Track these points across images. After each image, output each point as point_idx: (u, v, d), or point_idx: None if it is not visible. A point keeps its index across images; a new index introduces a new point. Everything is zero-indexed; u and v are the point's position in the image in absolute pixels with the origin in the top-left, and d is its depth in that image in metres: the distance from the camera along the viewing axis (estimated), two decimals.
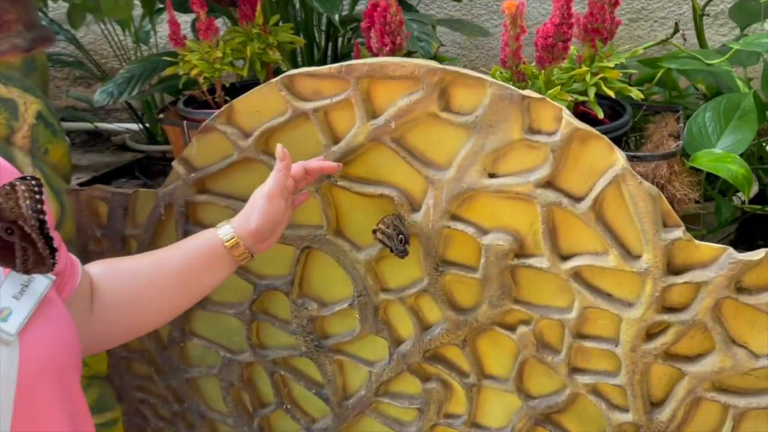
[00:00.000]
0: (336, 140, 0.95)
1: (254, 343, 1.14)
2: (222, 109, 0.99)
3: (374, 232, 0.92)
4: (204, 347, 1.18)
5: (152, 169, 1.47)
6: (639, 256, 0.86)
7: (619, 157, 0.82)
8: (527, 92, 0.84)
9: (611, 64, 0.90)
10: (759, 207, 0.98)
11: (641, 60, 1.10)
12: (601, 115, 0.90)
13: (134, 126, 1.67)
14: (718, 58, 0.95)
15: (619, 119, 0.95)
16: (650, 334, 0.89)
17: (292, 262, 1.05)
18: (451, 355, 1.03)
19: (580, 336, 0.93)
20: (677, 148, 0.88)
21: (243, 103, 0.98)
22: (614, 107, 0.99)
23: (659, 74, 1.01)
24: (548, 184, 0.87)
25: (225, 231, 0.82)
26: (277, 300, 1.10)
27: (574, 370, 0.95)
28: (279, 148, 0.83)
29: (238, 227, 0.82)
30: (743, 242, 1.12)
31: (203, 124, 1.00)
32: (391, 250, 0.93)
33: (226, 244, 0.81)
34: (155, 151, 1.55)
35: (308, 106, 0.94)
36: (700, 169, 0.91)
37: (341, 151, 0.94)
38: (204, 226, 1.02)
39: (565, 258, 0.90)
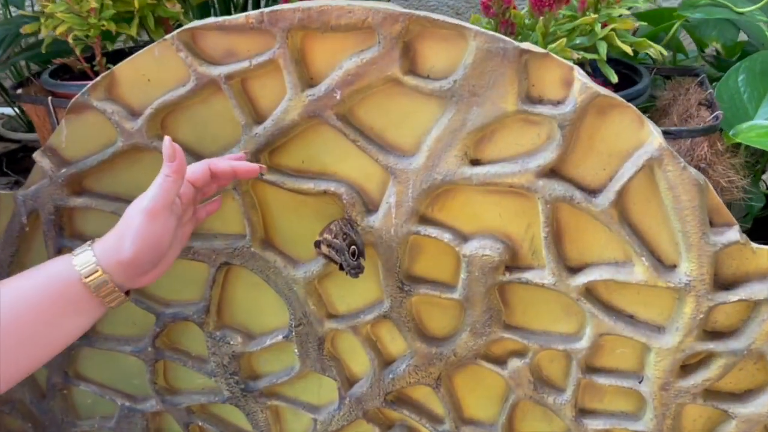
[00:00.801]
0: (259, 118, 0.70)
1: (161, 388, 0.87)
2: (98, 78, 0.71)
3: (317, 243, 0.67)
4: (95, 394, 0.90)
5: (28, 163, 1.16)
6: (674, 266, 0.64)
7: (653, 133, 0.60)
8: (526, 45, 0.60)
9: (624, 10, 0.67)
10: None
11: (641, 14, 0.88)
12: (614, 78, 0.68)
13: (8, 110, 1.35)
14: (748, 5, 0.74)
15: (631, 86, 0.73)
16: (686, 367, 0.67)
17: (206, 283, 0.79)
18: (421, 397, 0.80)
19: (592, 370, 0.71)
20: (717, 121, 0.67)
21: (128, 69, 0.71)
22: (619, 70, 0.76)
23: (675, 27, 0.79)
24: (553, 172, 0.64)
25: (84, 260, 0.55)
26: (189, 332, 0.84)
27: (583, 412, 0.74)
28: (166, 143, 0.57)
29: (104, 255, 0.56)
30: (761, 237, 0.92)
31: (73, 100, 0.72)
32: (341, 267, 0.68)
33: (86, 280, 0.55)
34: (34, 141, 1.24)
35: (219, 71, 0.68)
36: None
37: (267, 134, 0.69)
38: (85, 240, 0.75)
39: (574, 271, 0.67)
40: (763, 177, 0.81)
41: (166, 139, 0.57)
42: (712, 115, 0.67)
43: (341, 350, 0.80)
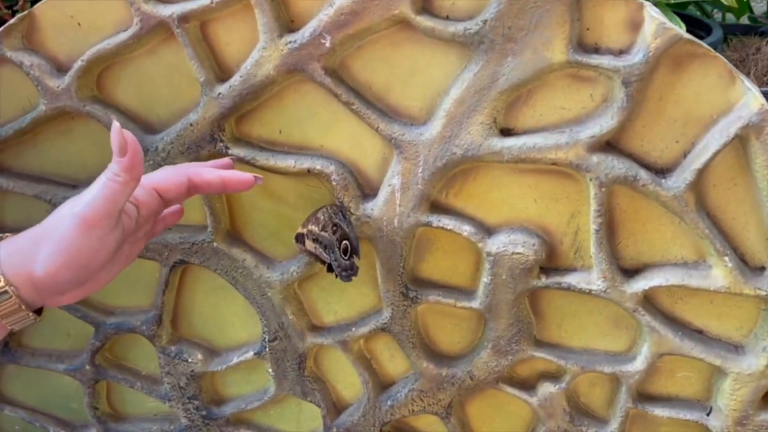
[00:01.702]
0: (223, 74, 0.54)
1: (104, 414, 0.71)
2: (12, 21, 0.55)
3: (299, 237, 0.51)
4: (24, 420, 0.73)
5: None
6: (763, 269, 0.50)
7: (750, 91, 0.45)
8: None
9: None
10: None
11: None
12: (682, 26, 0.53)
13: None
14: None
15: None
16: None
17: (157, 286, 0.63)
18: (426, 428, 0.64)
19: (645, 398, 0.57)
20: None
21: (51, 9, 0.54)
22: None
23: None
24: (611, 146, 0.49)
25: None
26: (137, 347, 0.68)
27: None
28: (115, 130, 0.41)
29: (10, 261, 0.40)
30: None
31: None
32: (329, 268, 0.53)
33: None
34: None
35: (170, 11, 0.51)
36: None
37: (234, 95, 0.53)
38: (4, 231, 0.58)
39: (629, 273, 0.52)
40: None
41: (115, 126, 0.41)
42: None
43: (327, 370, 0.64)
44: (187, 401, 0.67)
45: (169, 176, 0.47)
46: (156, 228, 0.51)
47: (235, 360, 0.64)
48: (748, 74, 0.58)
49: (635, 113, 0.47)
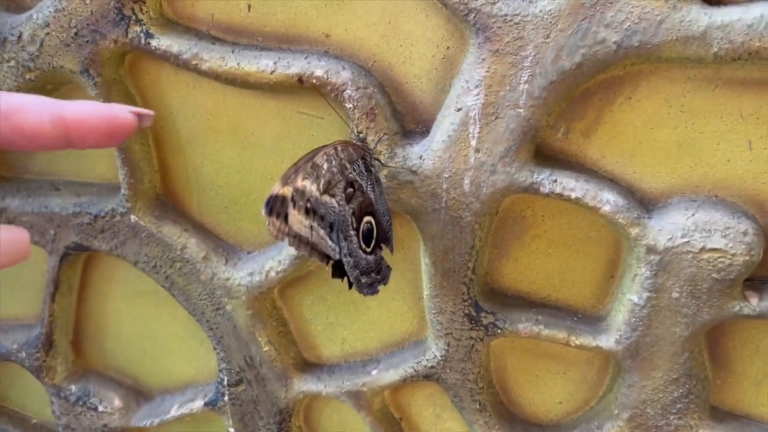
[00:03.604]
0: None
1: None
2: None
3: (272, 203, 0.24)
4: None
5: None
6: None
7: None
8: None
9: None
10: None
11: None
12: None
13: None
14: None
15: None
16: None
17: (43, 287, 0.37)
18: None
19: None
20: None
21: None
22: None
23: None
24: None
25: None
26: (21, 382, 0.42)
27: None
28: None
29: None
30: None
31: None
32: (337, 269, 0.27)
33: None
34: None
35: None
36: None
37: None
38: None
39: None
40: None
41: None
42: None
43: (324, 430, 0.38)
44: None
45: (30, 106, 0.21)
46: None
47: (175, 412, 0.39)
48: None
49: None
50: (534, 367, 0.33)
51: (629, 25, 0.24)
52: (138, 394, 0.40)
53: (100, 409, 0.40)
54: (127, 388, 0.40)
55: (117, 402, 0.40)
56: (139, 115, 0.22)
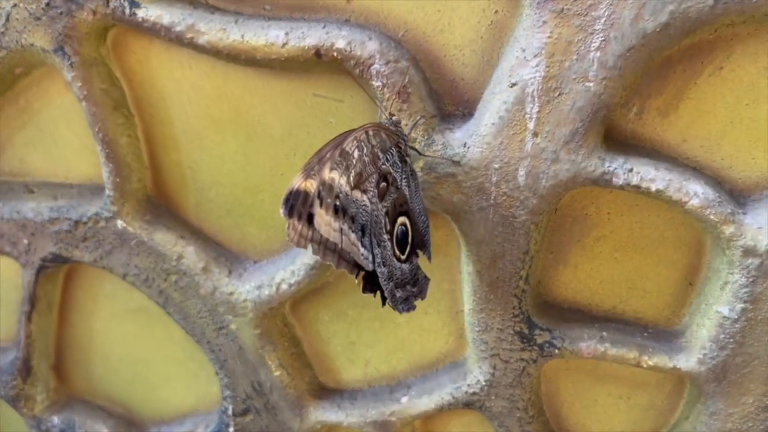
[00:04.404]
0: None
1: None
2: None
3: (292, 200, 0.19)
4: None
5: None
6: None
7: None
8: None
9: None
10: None
11: None
12: None
13: None
14: None
15: None
16: None
17: (16, 309, 0.32)
18: None
19: None
20: None
21: None
22: None
23: None
24: None
25: None
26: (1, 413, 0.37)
27: None
28: None
29: None
30: None
31: None
32: (369, 282, 0.22)
33: None
34: None
35: None
36: None
37: None
38: None
39: None
40: None
41: None
42: None
43: None
44: None
45: None
46: None
47: None
48: None
49: None
50: (591, 391, 0.28)
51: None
52: (130, 425, 0.35)
53: None
54: (117, 419, 0.35)
55: None
56: None
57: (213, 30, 0.24)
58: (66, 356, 0.35)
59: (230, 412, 0.32)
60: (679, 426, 0.28)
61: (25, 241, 0.30)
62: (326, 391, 0.32)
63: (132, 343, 0.34)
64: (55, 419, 0.35)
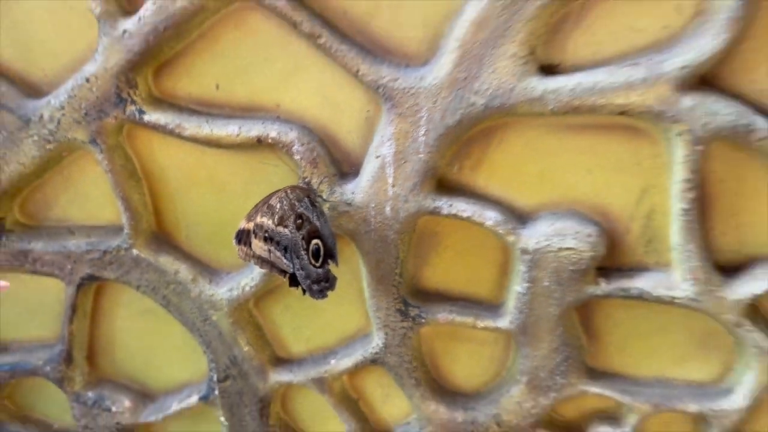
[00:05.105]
0: (131, 4, 0.37)
1: None
2: None
3: (240, 236, 0.34)
4: None
5: None
6: None
7: None
8: None
9: None
10: None
11: None
12: None
13: None
14: None
15: None
16: None
17: (62, 312, 0.46)
18: None
19: None
20: None
21: None
22: None
23: None
24: (707, 83, 0.33)
25: None
26: (44, 393, 0.50)
27: None
28: None
29: None
30: None
31: None
32: (293, 281, 0.36)
33: None
34: None
35: None
36: None
37: (147, 32, 0.36)
38: None
39: (729, 272, 0.36)
40: None
41: None
42: None
43: (300, 417, 0.47)
44: None
45: None
46: None
47: (175, 407, 0.48)
48: None
49: (748, 33, 0.31)
50: (455, 348, 0.43)
51: (491, 92, 0.34)
52: (144, 396, 0.49)
53: (113, 410, 0.48)
54: (135, 392, 0.49)
55: (127, 403, 0.48)
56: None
57: (192, 127, 0.38)
58: (96, 348, 0.48)
59: (215, 379, 0.46)
60: (510, 369, 0.42)
61: (69, 267, 0.44)
62: (281, 360, 0.45)
63: (144, 336, 0.47)
64: (89, 394, 0.49)
